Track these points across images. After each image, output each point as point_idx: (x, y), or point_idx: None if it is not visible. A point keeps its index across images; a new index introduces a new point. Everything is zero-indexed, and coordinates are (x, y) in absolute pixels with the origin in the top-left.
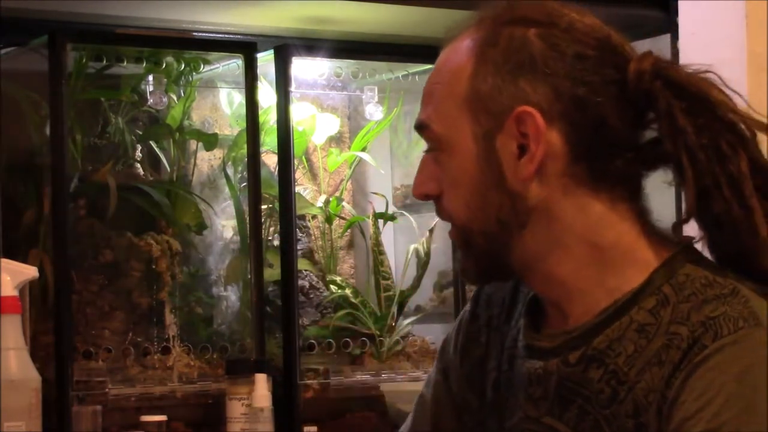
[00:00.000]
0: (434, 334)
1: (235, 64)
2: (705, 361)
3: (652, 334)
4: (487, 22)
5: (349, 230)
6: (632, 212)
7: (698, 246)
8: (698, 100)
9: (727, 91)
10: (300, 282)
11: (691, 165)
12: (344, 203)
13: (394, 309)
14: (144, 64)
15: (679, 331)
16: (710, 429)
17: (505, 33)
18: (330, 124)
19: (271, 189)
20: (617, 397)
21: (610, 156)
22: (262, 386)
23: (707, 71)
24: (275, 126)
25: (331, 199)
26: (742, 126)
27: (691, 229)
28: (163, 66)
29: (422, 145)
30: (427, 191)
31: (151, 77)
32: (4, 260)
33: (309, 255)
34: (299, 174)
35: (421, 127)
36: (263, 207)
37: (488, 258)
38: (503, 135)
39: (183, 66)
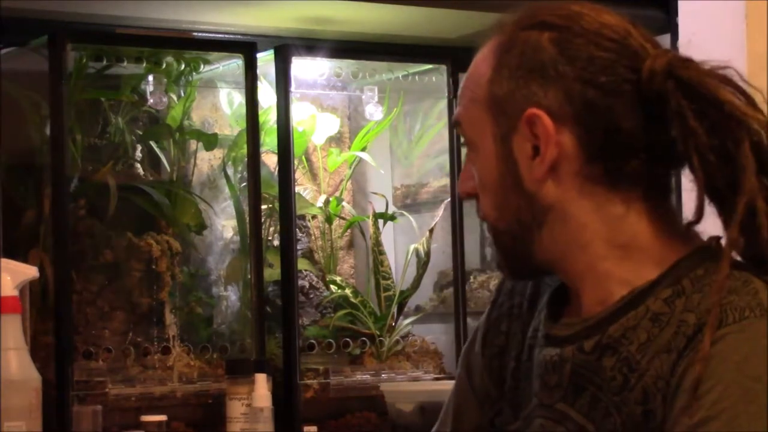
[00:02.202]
0: (434, 334)
1: (235, 64)
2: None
3: (665, 322)
4: (508, 26)
5: (349, 230)
6: (650, 212)
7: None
8: (708, 101)
9: (747, 88)
10: (300, 282)
11: (702, 166)
12: (344, 203)
13: (394, 309)
14: (144, 64)
15: (687, 319)
16: (709, 416)
17: (521, 38)
18: (330, 124)
19: (271, 189)
20: (628, 385)
21: (625, 156)
22: (262, 386)
23: (726, 67)
24: (275, 126)
25: (331, 199)
26: (754, 125)
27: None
28: (163, 66)
29: (422, 145)
30: (467, 190)
31: (151, 77)
32: (4, 260)
33: (309, 255)
34: (299, 174)
35: (456, 124)
36: (263, 207)
37: (515, 256)
38: (518, 136)
39: (183, 66)
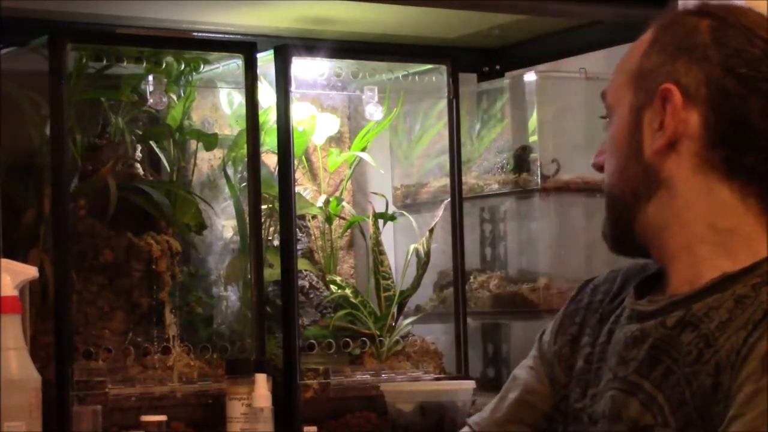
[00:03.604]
0: (434, 334)
1: (235, 64)
2: None
3: (747, 305)
4: (677, 11)
5: (349, 230)
6: (758, 205)
7: None
8: None
9: None
10: (300, 282)
11: None
12: (344, 203)
13: (394, 309)
14: (144, 64)
15: (766, 299)
16: (760, 388)
17: (682, 20)
18: (330, 124)
19: (271, 189)
20: (702, 358)
21: (747, 149)
22: (262, 386)
23: None
24: (275, 126)
25: (331, 199)
26: None
27: None
28: (163, 66)
29: (422, 145)
30: (598, 162)
31: (151, 77)
32: (4, 260)
33: (309, 255)
34: (299, 174)
35: (603, 97)
36: (263, 207)
37: (621, 225)
38: (651, 110)
39: (183, 66)
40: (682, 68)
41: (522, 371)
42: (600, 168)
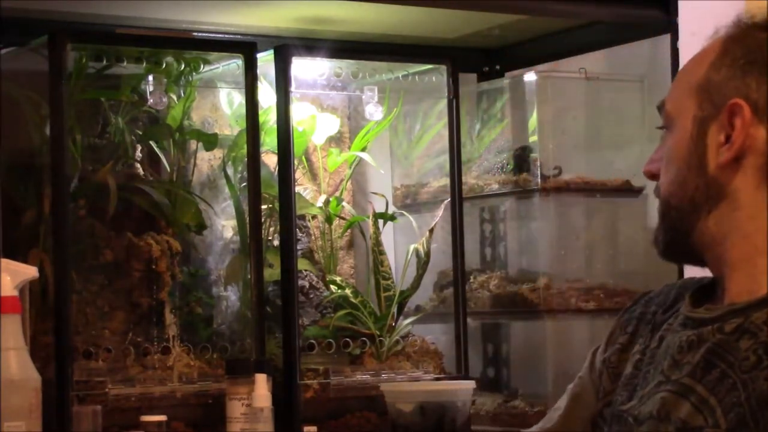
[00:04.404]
0: (434, 334)
1: (235, 64)
2: None
3: None
4: (743, 24)
5: (349, 230)
6: None
7: None
8: None
9: None
10: (300, 282)
11: None
12: (344, 203)
13: (394, 309)
14: (144, 64)
15: None
16: None
17: (753, 34)
18: (330, 124)
19: (271, 189)
20: (761, 365)
21: None
22: (262, 386)
23: None
24: (275, 126)
25: (331, 199)
26: None
27: None
28: (163, 66)
29: (422, 145)
30: (651, 170)
31: (151, 77)
32: (4, 260)
33: (309, 255)
34: (299, 174)
35: (660, 107)
36: (263, 207)
37: (676, 233)
38: (717, 123)
39: (183, 66)
40: (753, 83)
41: (573, 383)
42: (653, 176)
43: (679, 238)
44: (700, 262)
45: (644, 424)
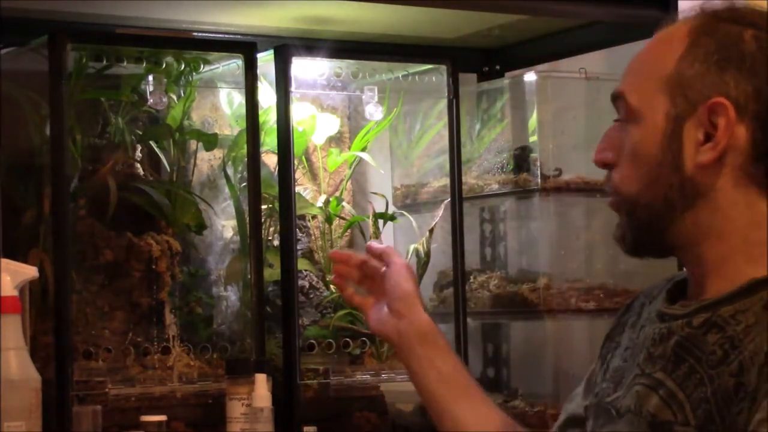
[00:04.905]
0: None
1: (235, 64)
2: None
3: None
4: (708, 15)
5: (349, 230)
6: None
7: None
8: None
9: None
10: (300, 282)
11: None
12: (344, 203)
13: None
14: (144, 64)
15: None
16: None
17: (723, 27)
18: (330, 124)
19: (271, 189)
20: (727, 359)
21: None
22: (262, 386)
23: None
24: (275, 126)
25: (331, 199)
26: None
27: None
28: (163, 66)
29: (422, 145)
30: (605, 159)
31: (151, 77)
32: (4, 260)
33: (309, 255)
34: (299, 174)
35: (616, 97)
36: (263, 207)
37: (647, 232)
38: (693, 120)
39: (183, 66)
40: (732, 82)
41: (589, 370)
42: (605, 165)
43: (650, 236)
44: (666, 257)
45: (624, 417)
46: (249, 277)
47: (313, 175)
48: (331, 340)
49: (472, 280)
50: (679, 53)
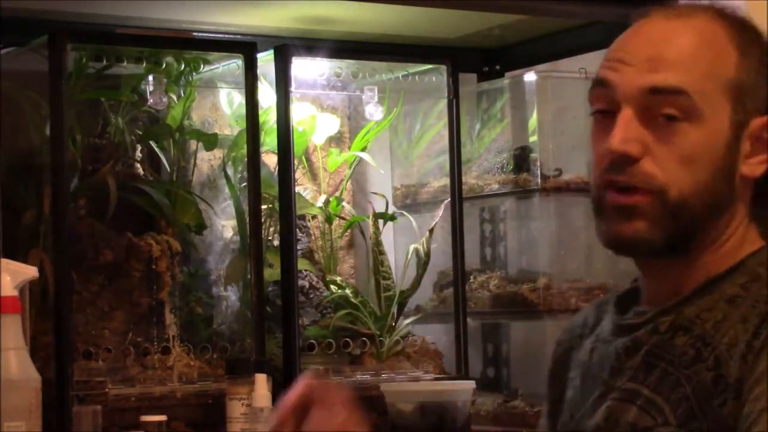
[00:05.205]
0: (434, 334)
1: (235, 64)
2: None
3: (740, 303)
4: (733, 17)
5: (349, 230)
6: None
7: None
8: None
9: None
10: (300, 282)
11: None
12: (344, 203)
13: (394, 309)
14: (144, 64)
15: (765, 294)
16: None
17: (757, 38)
18: (330, 124)
19: (271, 189)
20: (701, 357)
21: None
22: (262, 386)
23: None
24: (275, 126)
25: (331, 199)
26: None
27: None
28: (163, 66)
29: (422, 145)
30: (630, 151)
31: (151, 77)
32: (4, 260)
33: (309, 255)
34: (299, 174)
35: (672, 91)
36: (263, 207)
37: (678, 231)
38: (748, 130)
39: (183, 66)
40: None
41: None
42: (629, 158)
43: (680, 237)
44: (678, 258)
45: None
46: (249, 277)
47: (313, 175)
48: (331, 340)
49: (472, 280)
50: (734, 59)
